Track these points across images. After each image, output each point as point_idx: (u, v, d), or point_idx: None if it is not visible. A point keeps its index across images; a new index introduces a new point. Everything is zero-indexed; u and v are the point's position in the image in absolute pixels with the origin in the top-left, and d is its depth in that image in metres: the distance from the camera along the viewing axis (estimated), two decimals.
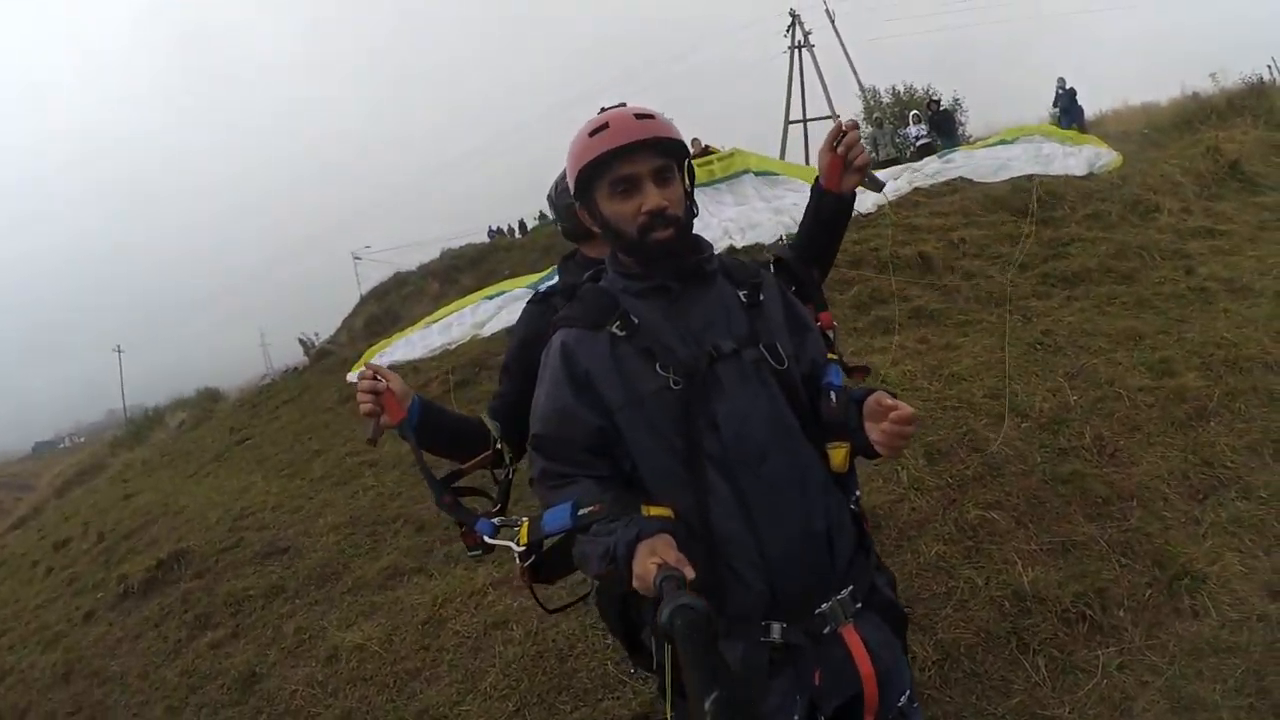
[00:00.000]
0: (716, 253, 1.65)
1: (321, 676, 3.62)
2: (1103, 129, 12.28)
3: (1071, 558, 3.23)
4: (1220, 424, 3.76)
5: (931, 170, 9.54)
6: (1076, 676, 2.73)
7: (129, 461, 12.49)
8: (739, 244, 8.65)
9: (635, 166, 1.52)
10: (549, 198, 2.17)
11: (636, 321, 1.53)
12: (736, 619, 1.45)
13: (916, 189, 9.21)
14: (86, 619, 5.25)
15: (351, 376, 9.09)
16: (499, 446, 1.78)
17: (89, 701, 4.24)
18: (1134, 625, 2.85)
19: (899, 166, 11.17)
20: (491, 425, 1.80)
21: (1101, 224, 6.72)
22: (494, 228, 24.73)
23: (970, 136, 17.28)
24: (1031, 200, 6.49)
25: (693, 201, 1.62)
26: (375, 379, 1.73)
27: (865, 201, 9.53)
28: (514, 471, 1.82)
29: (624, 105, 1.62)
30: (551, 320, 1.64)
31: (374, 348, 9.50)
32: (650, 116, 1.55)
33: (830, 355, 1.65)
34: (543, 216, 23.28)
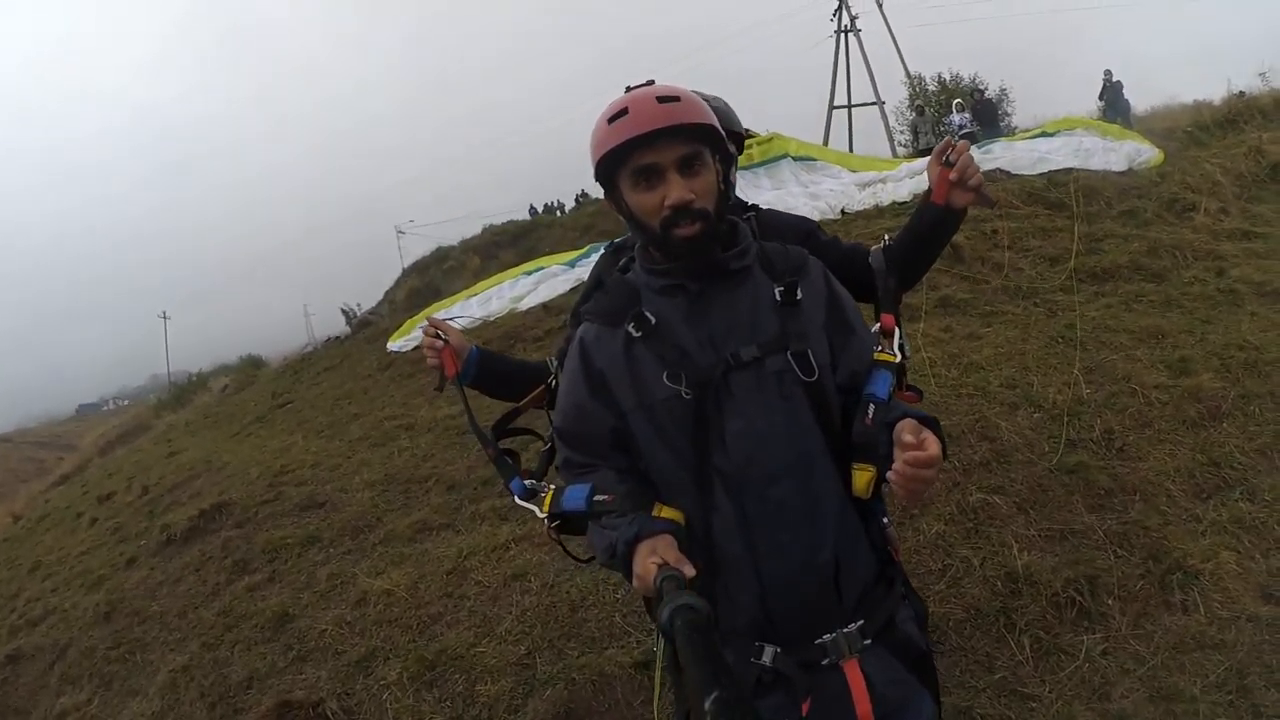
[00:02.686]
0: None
1: (350, 618, 3.70)
2: (1149, 125, 11.66)
3: (1068, 545, 3.16)
4: (1233, 425, 3.62)
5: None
6: (1059, 659, 2.70)
7: (172, 423, 12.66)
8: None
9: (657, 156, 1.34)
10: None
11: (653, 321, 1.39)
12: (729, 633, 1.35)
13: None
14: (129, 564, 5.35)
15: (392, 345, 9.27)
16: (554, 385, 1.74)
17: (128, 638, 4.33)
18: (1122, 614, 2.80)
19: None
20: (552, 366, 1.79)
21: (1136, 221, 6.41)
22: (535, 206, 24.65)
23: (1015, 127, 16.59)
24: (1074, 200, 6.20)
25: (729, 189, 1.46)
26: (436, 335, 1.75)
27: (901, 190, 9.28)
28: None
29: (650, 84, 1.45)
30: (577, 308, 1.57)
31: (414, 319, 9.62)
32: (675, 99, 1.36)
33: (882, 357, 1.45)
34: (584, 196, 23.24)
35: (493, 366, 1.82)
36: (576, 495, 1.39)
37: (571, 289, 8.47)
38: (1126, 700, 2.47)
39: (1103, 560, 3.02)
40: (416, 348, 8.67)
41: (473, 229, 21.83)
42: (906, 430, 1.20)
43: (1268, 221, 6.10)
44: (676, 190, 1.33)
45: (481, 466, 5.07)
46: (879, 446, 1.30)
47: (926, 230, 1.70)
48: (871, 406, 1.35)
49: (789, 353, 1.34)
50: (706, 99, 1.88)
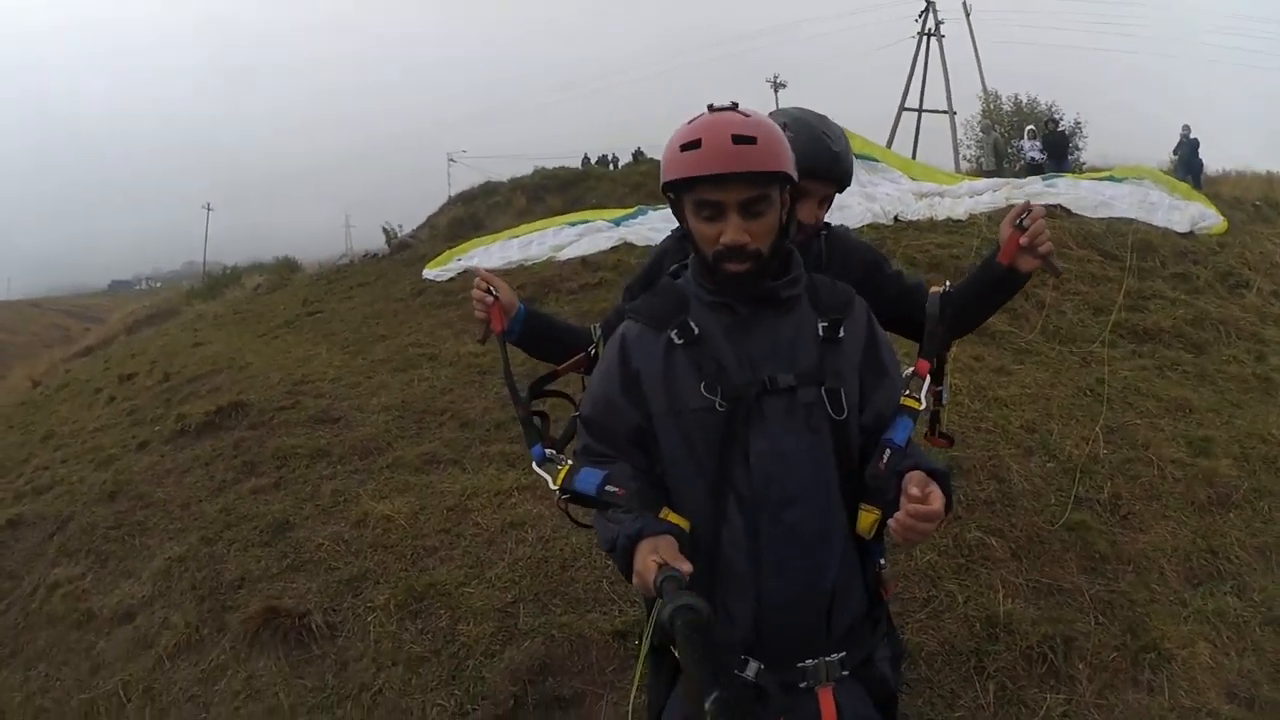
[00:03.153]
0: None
1: (348, 536, 3.76)
2: (1217, 189, 11.27)
3: (1052, 601, 3.18)
4: (1239, 517, 3.58)
5: (1033, 191, 8.97)
6: (1020, 711, 2.72)
7: (201, 313, 12.66)
8: None
9: (722, 195, 1.35)
10: None
11: (696, 332, 1.41)
12: (717, 644, 1.35)
13: (1012, 206, 8.70)
14: (140, 448, 5.39)
15: (428, 273, 9.24)
16: (594, 353, 1.77)
17: (130, 520, 4.38)
18: (1089, 680, 2.80)
19: (1000, 179, 10.55)
20: (595, 333, 1.81)
21: (1187, 286, 6.27)
22: (589, 156, 24.36)
23: (1083, 163, 16.11)
24: (1129, 253, 6.06)
25: (789, 230, 1.44)
26: (487, 290, 1.74)
27: (959, 208, 9.08)
28: None
29: (733, 109, 1.40)
30: (622, 305, 1.58)
31: (454, 250, 9.59)
32: (751, 140, 1.32)
33: (908, 402, 1.48)
34: (640, 154, 22.91)
35: (538, 327, 1.84)
36: (590, 479, 1.42)
37: (613, 247, 8.42)
38: None
39: (1083, 624, 3.03)
40: (451, 279, 8.70)
41: (524, 169, 21.62)
42: (914, 483, 1.25)
43: None
44: (733, 232, 1.35)
45: (497, 409, 5.14)
46: (887, 492, 1.34)
47: (988, 288, 1.71)
48: (888, 452, 1.38)
49: (823, 388, 1.37)
50: (806, 122, 1.78)
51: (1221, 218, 7.59)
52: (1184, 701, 2.70)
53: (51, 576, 4.03)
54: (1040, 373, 5.11)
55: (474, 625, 3.09)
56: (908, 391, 1.52)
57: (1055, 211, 8.55)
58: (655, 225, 8.83)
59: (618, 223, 9.21)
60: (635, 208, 10.06)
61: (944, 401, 1.71)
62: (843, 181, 1.79)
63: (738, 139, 1.32)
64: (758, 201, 1.35)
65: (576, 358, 1.80)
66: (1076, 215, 8.25)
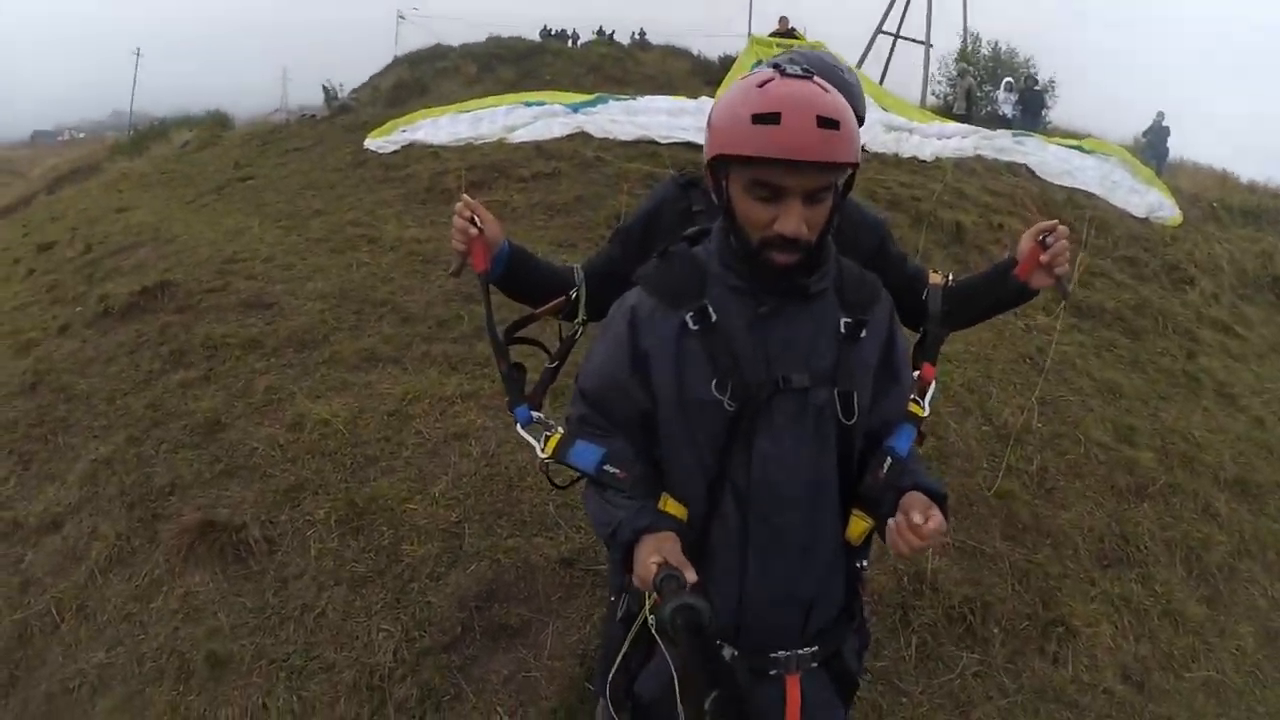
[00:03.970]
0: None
1: (283, 441, 3.56)
2: (1176, 179, 11.51)
3: (975, 564, 3.32)
4: (1152, 509, 3.79)
5: (1001, 145, 8.97)
6: (937, 666, 2.89)
7: (127, 171, 11.51)
8: None
9: (791, 180, 1.21)
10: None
11: (713, 319, 1.31)
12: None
13: (979, 156, 8.67)
14: (61, 331, 4.95)
15: (370, 143, 8.54)
16: (574, 297, 1.69)
17: (52, 416, 4.06)
18: (1002, 645, 2.99)
19: (970, 127, 10.45)
20: (579, 276, 1.72)
21: (1134, 272, 6.44)
22: (548, 28, 22.72)
23: (1050, 123, 16.13)
24: (1085, 231, 6.13)
25: (835, 217, 1.32)
26: (472, 221, 1.59)
27: (926, 148, 8.97)
28: (581, 333, 1.72)
29: (810, 79, 1.24)
30: (638, 273, 1.43)
31: (398, 119, 8.87)
32: (835, 125, 1.18)
33: (911, 408, 1.46)
34: (600, 32, 21.54)
35: (521, 267, 1.70)
36: (588, 456, 1.36)
37: (569, 135, 7.96)
38: None
39: (1001, 590, 3.20)
40: (395, 152, 8.08)
41: (477, 35, 20.07)
42: (915, 508, 1.23)
43: (1251, 325, 6.22)
44: (794, 222, 1.23)
45: (440, 304, 4.88)
46: (883, 505, 1.32)
47: (994, 296, 1.72)
48: (888, 460, 1.35)
49: (836, 390, 1.32)
50: (841, 74, 1.69)
51: (1178, 211, 7.79)
52: (1083, 676, 2.90)
53: None
54: (985, 333, 5.19)
55: (418, 545, 3.03)
56: (913, 397, 1.49)
57: (1020, 171, 8.60)
58: (615, 117, 8.38)
59: (575, 109, 8.70)
60: (594, 95, 9.52)
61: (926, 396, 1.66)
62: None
63: (824, 121, 1.17)
64: (823, 190, 1.24)
65: (555, 301, 1.69)
66: (1039, 178, 8.31)
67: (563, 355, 1.69)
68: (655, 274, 1.39)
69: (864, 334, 1.35)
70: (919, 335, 1.76)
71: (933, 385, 1.58)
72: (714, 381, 1.28)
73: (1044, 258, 1.60)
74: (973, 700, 2.77)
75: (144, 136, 16.29)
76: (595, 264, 1.78)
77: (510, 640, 2.73)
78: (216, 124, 14.27)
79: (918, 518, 1.20)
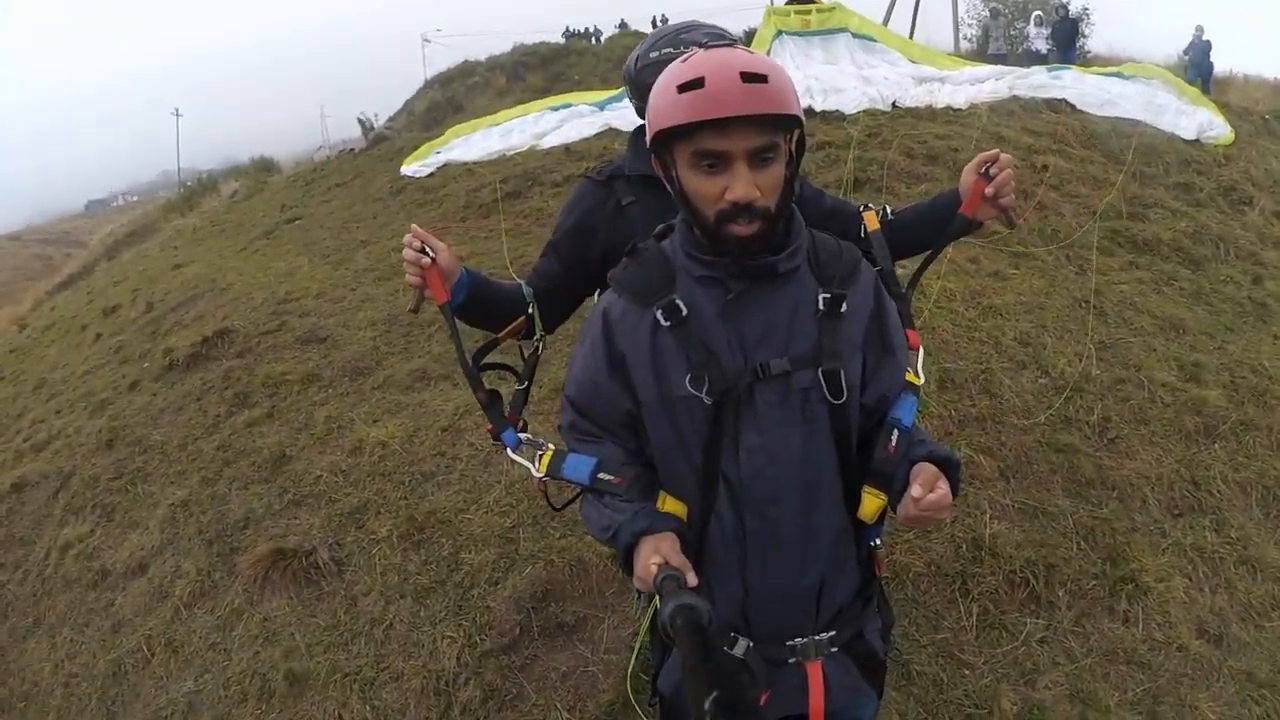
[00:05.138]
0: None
1: (345, 466, 3.70)
2: (1225, 94, 10.69)
3: (1037, 524, 3.20)
4: (1223, 449, 3.56)
5: (1037, 82, 8.49)
6: (1000, 634, 2.79)
7: (180, 228, 12.08)
8: (819, 106, 7.90)
9: (728, 143, 1.17)
10: (626, 69, 1.78)
11: (684, 313, 1.26)
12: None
13: (1015, 97, 8.23)
14: (131, 388, 5.23)
15: (406, 170, 8.73)
16: (530, 313, 1.64)
17: (130, 468, 4.29)
18: (1068, 608, 2.87)
19: (1004, 68, 9.92)
20: (528, 294, 1.67)
21: (1189, 198, 6.01)
22: (571, 29, 22.68)
23: (1089, 51, 15.18)
24: (1130, 155, 5.76)
25: (794, 183, 1.28)
26: (422, 250, 1.49)
27: (959, 96, 8.56)
28: (543, 346, 1.69)
29: (732, 46, 1.24)
30: (610, 274, 1.39)
31: (432, 142, 9.02)
32: (762, 79, 1.15)
33: (909, 378, 1.38)
34: (623, 25, 21.42)
35: (480, 294, 1.62)
36: (580, 467, 1.34)
37: (597, 133, 7.95)
38: (1049, 692, 2.57)
39: (1065, 550, 3.07)
40: (431, 175, 8.24)
41: (502, 46, 20.25)
42: (922, 479, 1.18)
43: None
44: (742, 186, 1.18)
45: None
46: (897, 479, 1.26)
47: (940, 234, 1.64)
48: (895, 433, 1.29)
49: (820, 370, 1.26)
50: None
51: (1229, 128, 7.23)
52: (1156, 635, 2.76)
53: (61, 538, 4.00)
54: (1036, 280, 4.96)
55: (476, 553, 3.11)
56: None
57: (1060, 106, 8.11)
58: None
59: (601, 106, 8.68)
60: (619, 89, 9.48)
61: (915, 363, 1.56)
62: None
63: (747, 76, 1.14)
64: (767, 150, 1.19)
65: (515, 323, 1.64)
66: (1080, 111, 7.83)
67: (530, 374, 1.66)
68: (625, 273, 1.36)
69: (845, 308, 1.28)
70: None
71: (920, 351, 1.48)
72: (688, 377, 1.25)
73: (988, 190, 1.53)
74: (1039, 668, 2.67)
75: (194, 192, 16.96)
76: (536, 281, 1.73)
77: (568, 638, 2.79)
78: (262, 170, 14.88)
79: (917, 490, 1.16)
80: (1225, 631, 2.81)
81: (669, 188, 1.28)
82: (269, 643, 2.94)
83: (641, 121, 1.57)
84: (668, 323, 1.27)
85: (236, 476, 3.85)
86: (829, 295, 1.28)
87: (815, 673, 1.35)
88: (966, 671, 2.65)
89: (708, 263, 1.27)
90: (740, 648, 1.34)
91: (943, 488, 1.17)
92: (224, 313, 5.81)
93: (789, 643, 1.35)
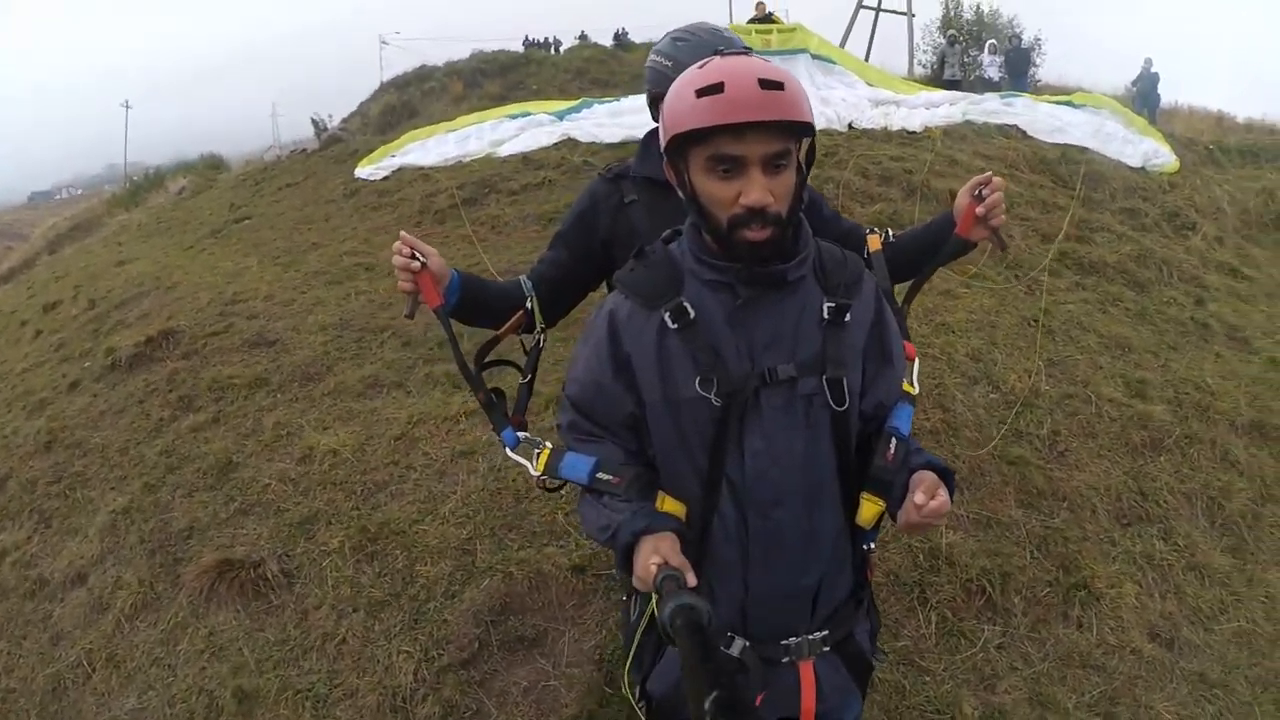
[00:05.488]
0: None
1: (294, 474, 3.58)
2: (1170, 124, 11.26)
3: (991, 534, 3.27)
4: (1169, 462, 3.70)
5: (990, 108, 8.80)
6: (959, 641, 2.84)
7: (125, 224, 11.67)
8: None
9: (745, 148, 1.19)
10: (652, 55, 1.79)
11: (692, 315, 1.28)
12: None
13: (969, 122, 8.53)
14: (72, 388, 5.02)
15: (360, 172, 8.60)
16: (530, 306, 1.66)
17: (69, 472, 4.12)
18: (1024, 614, 2.94)
19: (958, 93, 10.26)
20: (527, 287, 1.69)
21: (1134, 223, 6.30)
22: (530, 38, 22.75)
23: (1040, 81, 15.81)
24: (1079, 181, 6.00)
25: (804, 192, 1.31)
26: (412, 257, 1.51)
27: (914, 119, 8.83)
28: (545, 340, 1.71)
29: (748, 54, 1.27)
30: (616, 276, 1.40)
31: (388, 145, 8.90)
32: (779, 86, 1.19)
33: (905, 388, 1.44)
34: (583, 37, 21.54)
35: (473, 294, 1.64)
36: (579, 466, 1.34)
37: (555, 143, 7.93)
38: (1008, 696, 2.62)
39: (1019, 559, 3.14)
40: (385, 178, 8.11)
41: (461, 52, 20.09)
42: (924, 486, 1.22)
43: (1258, 265, 6.07)
44: (757, 191, 1.20)
45: (440, 326, 4.89)
46: (896, 487, 1.29)
47: (934, 255, 1.71)
48: (894, 441, 1.32)
49: (824, 377, 1.29)
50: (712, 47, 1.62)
51: (1174, 157, 7.59)
52: (1110, 639, 2.84)
53: None
54: (987, 299, 5.11)
55: (431, 565, 3.03)
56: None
57: (1011, 132, 8.42)
58: (601, 120, 8.33)
59: (561, 116, 8.67)
60: (579, 100, 9.49)
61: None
62: None
63: (765, 83, 1.18)
64: (781, 156, 1.22)
65: (515, 318, 1.66)
66: (1031, 138, 8.15)
67: (533, 368, 1.69)
68: (632, 275, 1.37)
69: (849, 318, 1.32)
70: None
71: (915, 362, 1.54)
72: (697, 379, 1.26)
73: (979, 210, 1.59)
74: (997, 673, 2.72)
75: (140, 187, 16.39)
76: (542, 270, 1.77)
77: (528, 651, 2.73)
78: (210, 168, 14.41)
79: (920, 497, 1.20)
80: (1176, 635, 2.91)
81: (680, 192, 1.30)
82: (216, 658, 2.81)
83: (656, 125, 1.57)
84: (675, 325, 1.28)
85: (181, 483, 3.70)
86: (834, 304, 1.31)
87: (807, 672, 1.38)
88: (927, 678, 2.68)
89: (717, 268, 1.29)
90: (737, 647, 1.35)
91: (943, 495, 1.21)
92: (169, 312, 5.59)
93: (783, 642, 1.37)
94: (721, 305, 1.29)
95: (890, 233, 1.77)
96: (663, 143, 1.27)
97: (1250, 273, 5.84)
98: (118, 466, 4.01)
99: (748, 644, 1.35)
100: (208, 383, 4.43)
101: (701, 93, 1.18)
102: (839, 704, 1.45)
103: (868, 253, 1.70)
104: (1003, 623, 2.90)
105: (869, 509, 1.30)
